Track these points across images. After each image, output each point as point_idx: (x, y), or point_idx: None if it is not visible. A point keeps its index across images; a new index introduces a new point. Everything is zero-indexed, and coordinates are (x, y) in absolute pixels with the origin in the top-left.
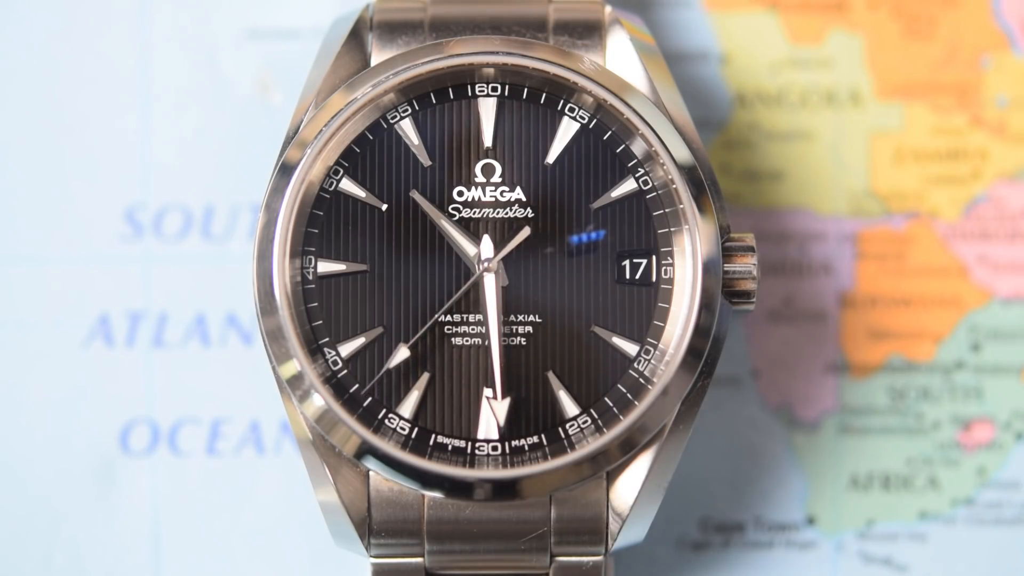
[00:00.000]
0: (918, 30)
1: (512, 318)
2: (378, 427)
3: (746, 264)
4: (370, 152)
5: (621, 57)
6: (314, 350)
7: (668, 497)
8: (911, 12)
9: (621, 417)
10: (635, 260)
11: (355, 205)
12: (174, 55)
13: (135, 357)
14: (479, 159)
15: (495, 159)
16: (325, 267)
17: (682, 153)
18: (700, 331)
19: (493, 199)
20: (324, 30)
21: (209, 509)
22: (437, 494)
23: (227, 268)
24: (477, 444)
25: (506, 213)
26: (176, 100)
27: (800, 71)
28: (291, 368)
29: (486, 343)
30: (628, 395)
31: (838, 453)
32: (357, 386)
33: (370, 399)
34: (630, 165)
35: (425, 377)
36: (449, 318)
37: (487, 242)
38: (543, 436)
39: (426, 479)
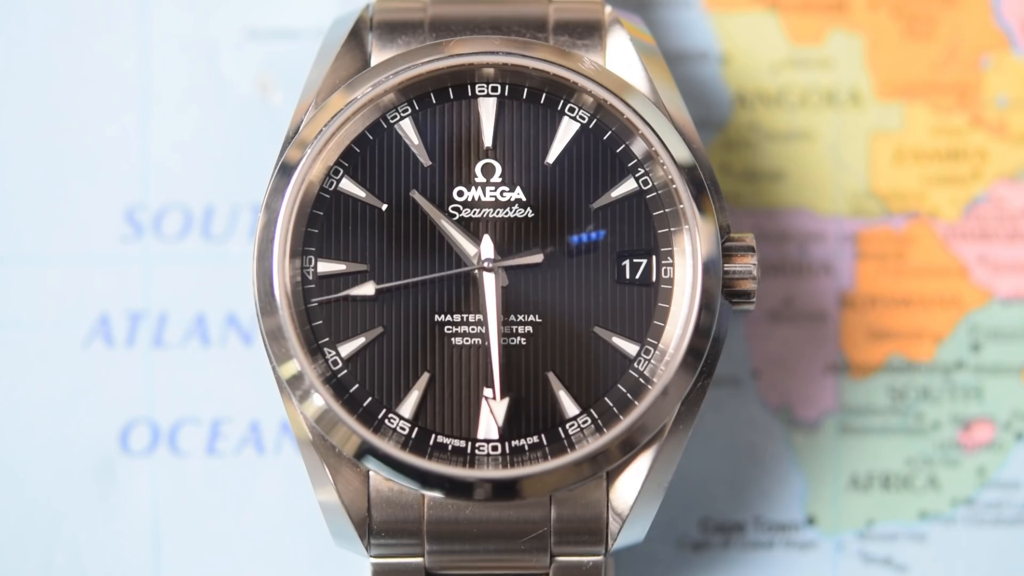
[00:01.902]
0: (918, 30)
1: (512, 318)
2: (378, 427)
3: (746, 264)
4: (370, 152)
5: (621, 57)
6: (314, 350)
7: (668, 497)
8: (911, 12)
9: (621, 417)
10: (635, 260)
11: (355, 205)
12: (174, 55)
13: (135, 357)
14: (479, 159)
15: (495, 159)
16: (325, 267)
17: (682, 153)
18: (700, 331)
19: (493, 199)
20: (324, 30)
21: (209, 509)
22: (437, 494)
23: (227, 268)
24: (477, 444)
25: (506, 213)
26: (176, 100)
27: (800, 71)
28: (291, 368)
29: (486, 343)
30: (628, 395)
31: (838, 453)
32: (357, 386)
33: (370, 399)
34: (630, 165)
35: (425, 377)
36: (449, 318)
37: (487, 242)
38: (543, 436)
39: (426, 479)
